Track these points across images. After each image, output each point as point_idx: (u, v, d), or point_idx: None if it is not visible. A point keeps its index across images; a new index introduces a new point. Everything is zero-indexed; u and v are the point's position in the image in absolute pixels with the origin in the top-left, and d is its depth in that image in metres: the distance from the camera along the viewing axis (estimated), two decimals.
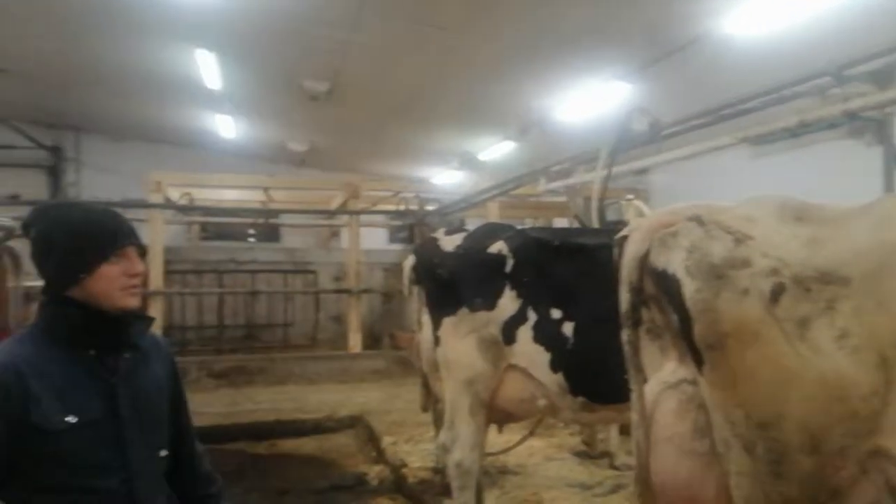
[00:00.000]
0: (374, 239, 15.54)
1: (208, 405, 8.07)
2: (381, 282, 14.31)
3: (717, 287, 1.91)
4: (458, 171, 14.11)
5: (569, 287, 3.80)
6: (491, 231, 4.23)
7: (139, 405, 1.88)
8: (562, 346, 3.75)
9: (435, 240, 4.34)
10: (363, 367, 11.17)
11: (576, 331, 3.74)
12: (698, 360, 1.99)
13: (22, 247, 2.75)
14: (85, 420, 1.75)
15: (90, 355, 1.83)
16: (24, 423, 1.68)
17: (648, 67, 7.68)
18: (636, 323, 2.33)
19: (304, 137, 13.66)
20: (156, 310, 10.71)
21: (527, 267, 3.89)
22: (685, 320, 2.01)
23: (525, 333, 3.84)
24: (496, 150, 12.29)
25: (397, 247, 16.55)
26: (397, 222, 13.69)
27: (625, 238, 2.29)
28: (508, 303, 3.88)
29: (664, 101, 6.48)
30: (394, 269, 15.78)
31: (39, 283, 2.26)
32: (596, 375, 3.69)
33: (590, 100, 8.83)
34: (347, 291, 12.03)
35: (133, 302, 1.89)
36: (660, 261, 2.14)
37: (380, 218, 13.92)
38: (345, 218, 12.67)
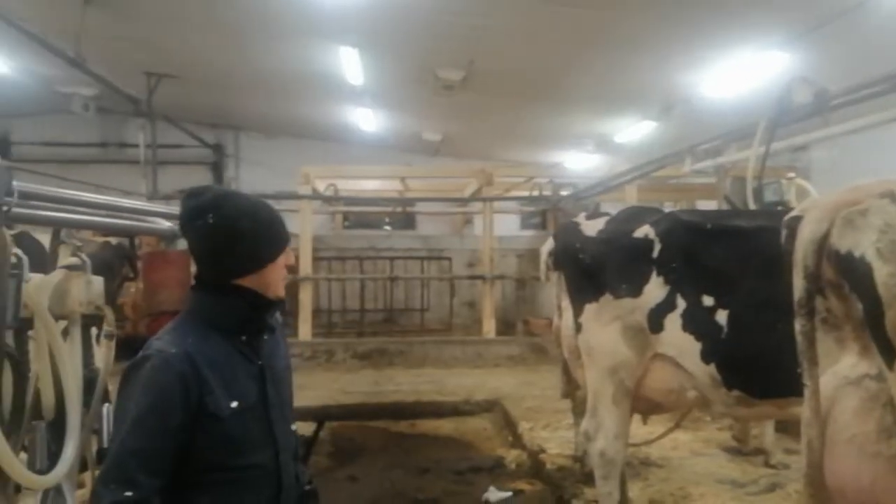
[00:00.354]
0: (507, 225, 15.57)
1: (354, 384, 8.54)
2: (515, 268, 14.34)
3: None
4: (594, 155, 13.74)
5: (723, 273, 3.59)
6: (636, 214, 4.08)
7: (277, 384, 1.98)
8: (715, 335, 3.56)
9: (576, 224, 4.26)
10: (498, 353, 11.27)
11: (730, 319, 3.53)
12: (888, 353, 1.81)
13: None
14: (245, 404, 1.86)
15: (242, 341, 1.91)
16: (200, 411, 1.78)
17: (808, 34, 7.00)
18: (811, 312, 2.14)
19: (439, 127, 13.93)
20: (305, 294, 11.47)
21: (675, 252, 3.71)
22: (874, 309, 1.83)
23: (673, 321, 3.68)
24: (634, 131, 11.81)
25: (530, 233, 16.48)
26: (531, 208, 13.61)
27: (797, 219, 2.09)
28: (655, 289, 3.73)
29: (826, 72, 5.87)
30: (527, 255, 15.76)
31: None
32: (754, 368, 3.48)
33: (741, 72, 8.22)
34: (481, 277, 12.16)
35: (283, 290, 2.01)
36: (844, 243, 1.95)
37: (513, 204, 13.92)
38: (478, 205, 12.79)
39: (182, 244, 2.94)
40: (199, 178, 15.39)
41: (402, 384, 9.21)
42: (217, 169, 16.14)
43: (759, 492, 4.84)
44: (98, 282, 2.27)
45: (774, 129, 4.84)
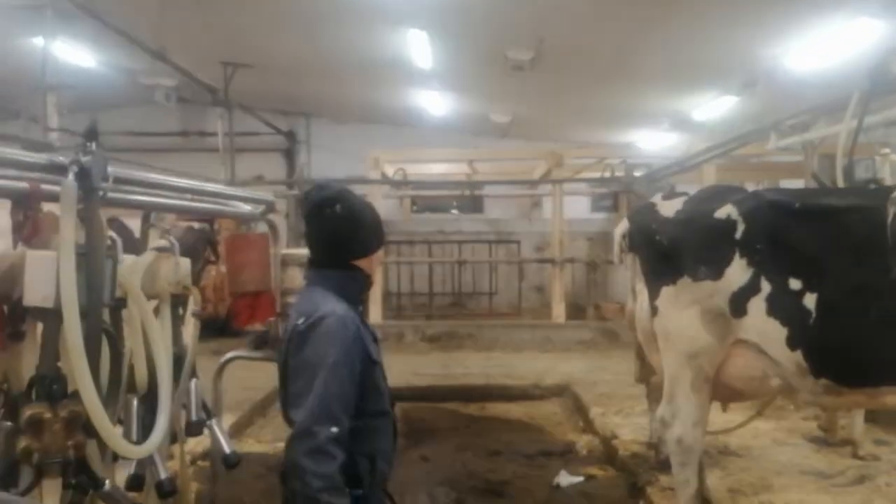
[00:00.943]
0: (577, 208, 15.30)
1: (424, 367, 8.65)
2: (585, 251, 14.09)
3: None
4: (669, 134, 13.29)
5: (812, 255, 3.44)
6: (717, 194, 3.93)
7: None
8: (802, 320, 3.42)
9: (652, 205, 4.14)
10: (568, 337, 11.15)
11: (819, 304, 3.38)
12: None
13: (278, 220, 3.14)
14: (377, 358, 2.28)
15: (359, 311, 2.30)
16: (368, 359, 2.19)
17: None
18: None
19: (507, 108, 13.79)
20: (376, 278, 11.67)
21: (761, 233, 3.56)
22: None
23: (757, 306, 3.54)
24: (713, 107, 11.32)
25: (600, 216, 16.16)
26: (602, 190, 13.31)
27: None
28: (738, 272, 3.59)
29: None
30: (597, 239, 15.46)
31: (292, 250, 2.55)
32: (843, 355, 3.34)
33: (831, 42, 7.72)
34: (551, 261, 12.03)
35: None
36: None
37: (583, 186, 13.66)
38: (548, 187, 12.62)
39: (262, 227, 3.03)
40: (274, 164, 15.86)
41: (471, 367, 9.25)
42: (290, 155, 16.57)
43: (846, 484, 4.61)
44: (185, 263, 2.37)
45: (868, 102, 4.54)
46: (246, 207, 2.66)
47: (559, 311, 11.66)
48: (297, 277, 3.06)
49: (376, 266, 2.44)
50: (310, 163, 15.87)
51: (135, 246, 2.50)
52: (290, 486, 2.08)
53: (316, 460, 1.97)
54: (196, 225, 5.90)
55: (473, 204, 16.62)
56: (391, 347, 11.03)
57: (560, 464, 5.58)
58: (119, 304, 2.05)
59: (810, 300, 3.40)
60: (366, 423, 2.18)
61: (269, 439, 6.44)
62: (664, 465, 4.93)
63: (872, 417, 5.58)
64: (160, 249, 2.22)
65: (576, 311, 12.71)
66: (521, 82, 10.84)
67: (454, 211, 16.82)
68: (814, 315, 3.37)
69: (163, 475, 2.15)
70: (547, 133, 15.40)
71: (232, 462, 2.52)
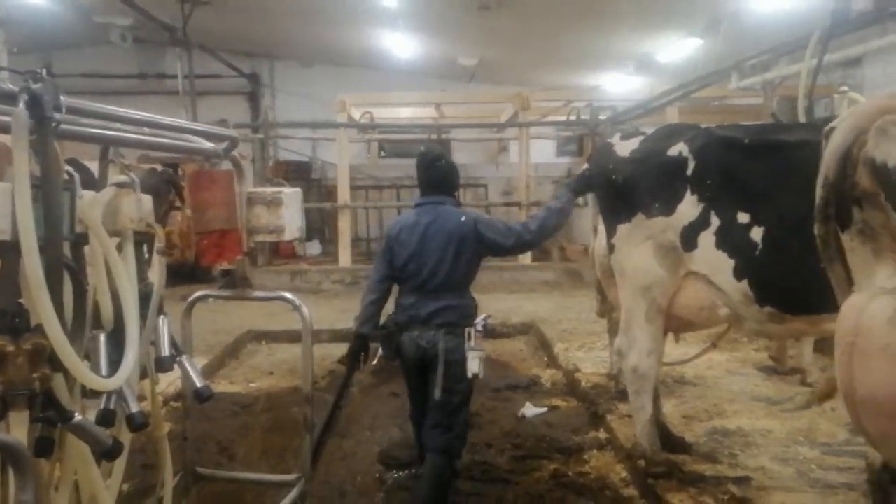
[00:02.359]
0: (543, 153, 15.34)
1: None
2: (551, 195, 14.19)
3: None
4: (634, 77, 13.28)
5: (760, 189, 3.53)
6: (671, 132, 4.01)
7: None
8: (749, 252, 3.54)
9: (610, 145, 4.22)
10: (533, 278, 11.36)
11: (766, 236, 3.50)
12: None
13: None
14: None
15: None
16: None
17: None
18: (828, 219, 2.14)
19: (474, 51, 13.58)
20: (344, 222, 11.65)
21: (711, 169, 3.66)
22: None
23: (707, 239, 3.67)
24: (678, 49, 11.33)
25: (566, 160, 16.24)
26: (567, 133, 13.35)
27: (833, 129, 2.07)
28: (689, 207, 3.71)
29: None
30: (563, 182, 15.54)
31: (258, 189, 2.55)
32: (787, 284, 3.47)
33: None
34: (517, 204, 12.12)
35: None
36: (880, 152, 1.93)
37: (550, 130, 13.66)
38: (514, 131, 12.60)
39: (226, 165, 3.02)
40: (237, 108, 15.47)
41: None
42: (254, 99, 16.18)
43: (794, 409, 4.90)
44: (147, 200, 2.36)
45: (828, 41, 4.60)
46: (208, 144, 2.65)
47: (525, 254, 11.82)
48: (263, 216, 3.08)
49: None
50: (274, 107, 15.53)
51: (94, 185, 2.48)
52: None
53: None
54: (159, 167, 5.82)
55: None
56: (361, 290, 11.09)
57: (525, 396, 5.80)
58: (80, 240, 2.05)
59: (757, 233, 3.51)
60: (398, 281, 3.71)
61: (242, 380, 6.54)
62: (623, 395, 5.18)
63: (820, 347, 5.88)
64: (120, 185, 2.21)
65: (542, 253, 12.90)
66: (488, 23, 10.68)
67: None
68: (760, 247, 3.48)
69: (133, 409, 2.18)
70: (514, 76, 15.26)
71: (204, 396, 2.57)
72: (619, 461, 4.34)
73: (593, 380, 5.76)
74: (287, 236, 3.14)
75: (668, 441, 4.18)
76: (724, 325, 4.14)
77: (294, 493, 2.98)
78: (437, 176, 3.76)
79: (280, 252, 13.60)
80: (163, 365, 2.43)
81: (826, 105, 5.33)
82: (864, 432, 1.92)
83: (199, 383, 2.57)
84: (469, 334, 3.50)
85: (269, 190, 3.19)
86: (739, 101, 11.69)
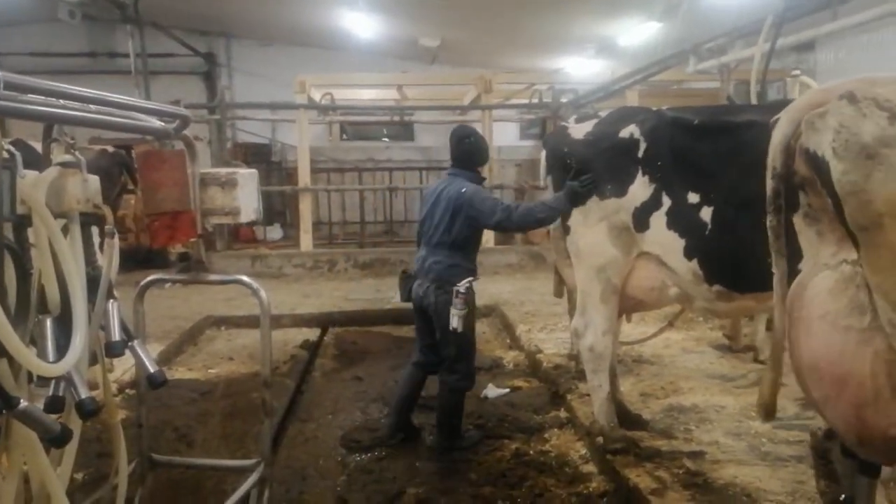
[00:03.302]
0: (506, 136, 15.38)
1: (356, 292, 8.72)
2: (513, 178, 14.27)
3: (869, 167, 1.79)
4: (595, 60, 13.37)
5: (709, 170, 3.58)
6: (623, 115, 4.06)
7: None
8: (699, 232, 3.61)
9: (564, 128, 4.27)
10: (496, 261, 11.42)
11: (715, 216, 3.57)
12: (856, 243, 1.89)
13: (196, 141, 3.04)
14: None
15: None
16: None
17: None
18: (779, 209, 2.22)
19: (436, 32, 13.47)
20: (305, 205, 11.50)
21: (661, 150, 3.71)
22: (836, 203, 1.93)
23: (658, 220, 3.74)
24: (638, 32, 11.42)
25: (528, 143, 16.31)
26: (530, 116, 13.38)
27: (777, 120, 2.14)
28: (641, 188, 3.77)
29: None
30: (526, 165, 15.64)
31: (212, 169, 2.49)
32: (735, 263, 3.54)
33: None
34: None
35: None
36: (810, 143, 2.03)
37: (512, 113, 13.68)
38: (477, 114, 12.57)
39: (178, 144, 2.93)
40: (192, 88, 15.05)
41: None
42: (210, 79, 15.76)
43: (747, 385, 5.05)
44: (94, 181, 2.28)
45: (781, 25, 4.70)
46: (158, 123, 2.56)
47: (489, 236, 11.86)
48: (217, 197, 3.01)
49: (485, 171, 4.54)
50: (232, 87, 15.17)
51: (39, 166, 2.38)
52: None
53: None
54: (111, 149, 5.61)
55: (404, 132, 16.40)
56: (324, 275, 11.04)
57: (488, 378, 5.84)
58: (22, 222, 1.97)
59: (706, 213, 3.57)
60: (474, 244, 4.37)
61: (201, 367, 6.44)
62: (583, 375, 5.26)
63: (772, 326, 6.06)
64: (65, 165, 2.13)
65: (504, 236, 12.97)
66: (449, 4, 10.59)
67: (385, 139, 16.56)
68: (709, 227, 3.55)
69: (82, 395, 2.12)
70: (476, 58, 15.20)
71: (157, 382, 2.51)
72: (579, 439, 4.42)
73: (554, 360, 5.83)
74: (243, 218, 3.07)
75: (626, 418, 4.27)
76: (673, 304, 4.22)
77: (253, 477, 2.95)
78: (462, 151, 4.40)
79: (240, 236, 13.37)
80: (113, 350, 2.36)
81: (779, 88, 5.46)
82: (810, 399, 2.00)
83: (151, 369, 2.51)
84: (455, 293, 4.05)
85: (223, 171, 3.11)
86: (698, 85, 11.88)
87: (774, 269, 2.09)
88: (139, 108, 2.43)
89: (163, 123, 2.62)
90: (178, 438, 4.66)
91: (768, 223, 2.16)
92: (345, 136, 16.61)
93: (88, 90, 2.11)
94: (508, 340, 7.21)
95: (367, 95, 14.03)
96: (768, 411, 2.30)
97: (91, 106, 2.14)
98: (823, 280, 1.98)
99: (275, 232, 14.31)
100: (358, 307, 8.49)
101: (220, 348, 7.27)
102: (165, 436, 4.62)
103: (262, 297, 3.02)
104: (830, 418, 1.93)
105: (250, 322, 8.22)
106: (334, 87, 12.78)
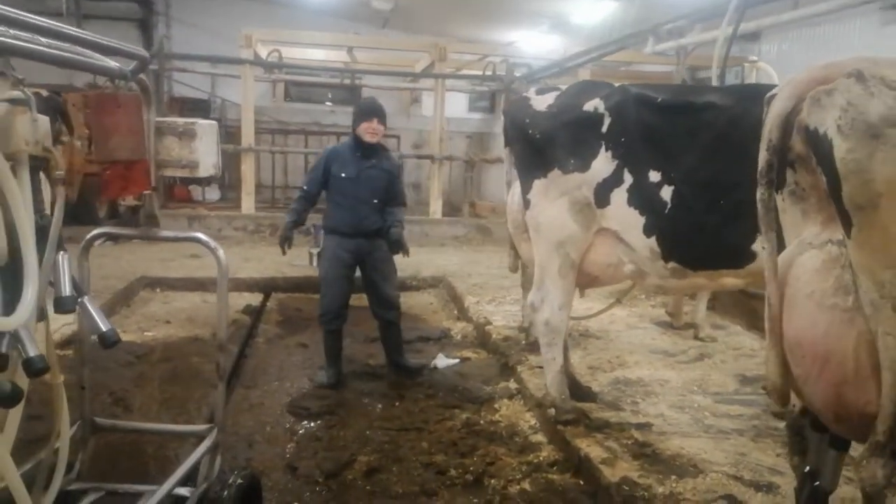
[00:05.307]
0: (455, 108, 15.23)
1: (300, 259, 8.50)
2: (461, 151, 14.20)
3: (873, 147, 1.80)
4: (549, 35, 13.36)
5: (671, 149, 3.61)
6: (587, 88, 4.01)
7: (368, 179, 4.83)
8: (658, 210, 3.64)
9: (526, 99, 4.17)
10: (444, 233, 11.40)
11: (675, 195, 3.60)
12: (846, 223, 1.92)
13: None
14: (348, 175, 4.82)
15: (358, 156, 4.85)
16: (328, 172, 4.88)
17: None
18: (770, 183, 2.23)
19: None
20: (248, 166, 11.10)
21: (625, 126, 3.70)
22: (834, 181, 1.92)
23: (619, 196, 3.74)
24: (593, 11, 11.47)
25: (477, 116, 16.25)
26: (482, 88, 13.29)
27: (774, 96, 2.14)
28: (603, 164, 3.75)
29: None
30: (475, 138, 15.59)
31: (169, 119, 2.32)
32: (693, 240, 3.61)
33: None
34: (430, 157, 12.02)
35: (370, 139, 4.82)
36: (812, 120, 2.02)
37: (463, 83, 13.54)
38: (428, 82, 12.39)
39: (134, 88, 2.72)
40: (127, 35, 14.14)
41: None
42: (146, 27, 14.87)
43: (688, 361, 5.24)
44: (44, 121, 2.08)
45: (744, 10, 4.77)
46: (113, 63, 2.36)
47: (436, 208, 11.82)
48: (173, 148, 2.82)
49: (365, 132, 4.80)
50: (171, 37, 14.35)
51: None
52: None
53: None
54: (45, 93, 5.19)
55: (350, 96, 15.99)
56: (265, 239, 10.72)
57: (436, 348, 5.84)
58: None
59: (667, 192, 3.59)
60: (333, 202, 4.94)
61: (136, 329, 6.15)
62: (533, 347, 5.32)
63: (712, 305, 6.30)
64: (13, 101, 1.92)
65: (450, 208, 12.95)
66: None
67: (329, 104, 16.12)
68: (669, 205, 3.58)
69: (31, 352, 1.96)
70: (428, 26, 14.93)
71: (110, 341, 2.35)
72: (529, 410, 4.48)
73: (504, 332, 5.87)
74: (202, 172, 2.89)
75: (576, 390, 4.35)
76: (626, 281, 4.29)
77: (206, 443, 2.82)
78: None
79: (174, 195, 12.81)
80: (63, 306, 2.19)
81: (736, 73, 5.60)
82: (791, 377, 2.03)
83: (104, 327, 2.35)
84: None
85: (181, 120, 2.92)
86: (649, 68, 12.06)
87: (764, 244, 2.10)
88: (94, 43, 2.22)
89: (118, 65, 2.42)
90: (114, 402, 4.45)
91: (759, 196, 2.16)
92: (288, 98, 16.07)
93: (39, 18, 1.90)
94: (456, 312, 7.22)
95: (315, 56, 13.58)
96: (782, 394, 2.04)
97: (41, 38, 1.94)
98: (810, 259, 2.01)
99: (213, 192, 13.79)
100: (301, 273, 8.30)
101: (155, 311, 6.97)
102: (101, 399, 4.39)
103: (221, 256, 2.86)
104: (808, 394, 1.99)
105: (187, 285, 7.92)
106: (281, 45, 12.30)
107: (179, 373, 5.07)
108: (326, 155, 5.00)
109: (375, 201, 4.85)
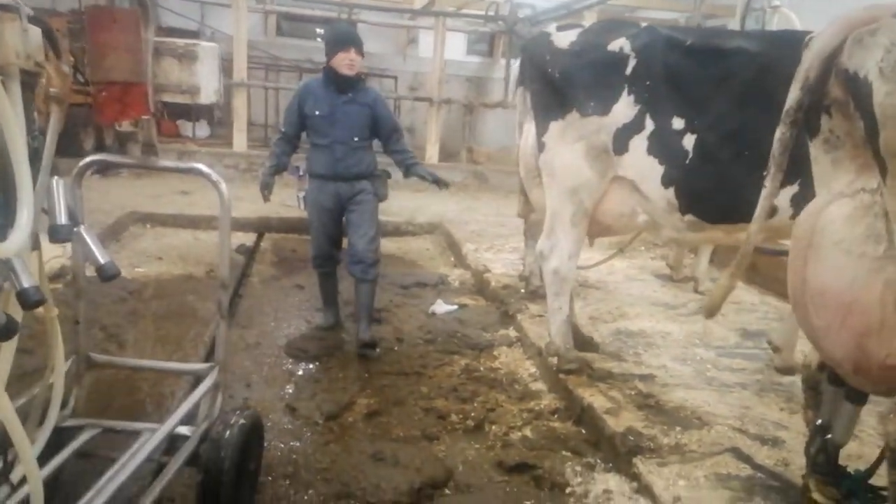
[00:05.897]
0: (453, 50, 14.77)
1: (293, 199, 8.32)
2: (459, 94, 13.85)
3: None
4: None
5: (698, 96, 3.43)
6: (612, 26, 3.78)
7: (345, 116, 4.36)
8: (679, 160, 3.50)
9: (547, 35, 3.92)
10: None
11: (698, 144, 3.46)
12: (883, 170, 1.83)
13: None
14: (322, 114, 4.35)
15: (332, 91, 4.35)
16: (302, 111, 4.41)
17: None
18: (795, 123, 2.13)
19: None
20: (240, 101, 10.75)
21: (651, 69, 3.50)
22: (872, 127, 1.83)
23: (638, 144, 3.58)
24: None
25: (475, 59, 15.80)
26: (484, 29, 12.87)
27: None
28: (625, 109, 3.58)
29: None
30: (474, 82, 15.20)
31: (167, 38, 2.14)
32: (713, 194, 3.49)
33: None
34: (428, 100, 11.71)
35: (348, 71, 4.29)
36: (852, 62, 1.92)
37: (461, 23, 13.09)
38: (428, 20, 11.97)
39: (126, 1, 2.51)
40: None
41: None
42: None
43: (688, 314, 5.20)
44: (36, 32, 1.90)
45: None
46: None
47: (433, 152, 11.59)
48: (173, 71, 2.64)
49: (341, 64, 4.27)
50: None
51: None
52: None
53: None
54: (29, 11, 4.89)
55: None
56: (257, 178, 10.44)
57: (434, 294, 5.77)
58: None
59: (689, 141, 3.45)
60: (311, 143, 4.48)
61: (127, 265, 6.01)
62: (533, 296, 5.26)
63: (712, 259, 6.25)
64: (2, 7, 1.74)
65: (447, 155, 12.71)
66: None
67: (319, 39, 15.57)
68: (690, 155, 3.45)
69: (26, 283, 1.83)
70: None
71: (109, 273, 2.21)
72: (529, 358, 4.44)
73: (503, 280, 5.80)
74: (203, 98, 2.72)
75: (579, 340, 4.30)
76: (639, 231, 4.18)
77: (208, 381, 2.74)
78: None
79: (162, 130, 12.46)
80: (59, 234, 2.04)
81: (757, 18, 5.38)
82: (810, 329, 1.98)
83: (102, 259, 2.21)
84: None
85: (181, 41, 2.72)
86: (655, 15, 11.70)
87: (766, 183, 2.02)
88: None
89: None
90: (107, 338, 4.37)
91: (778, 134, 2.07)
92: (280, 33, 15.51)
93: None
94: (453, 259, 7.13)
95: None
96: (712, 311, 2.68)
97: None
98: (840, 207, 1.94)
99: (202, 129, 13.43)
100: (296, 214, 8.14)
101: (146, 247, 6.83)
102: (93, 334, 4.28)
103: (223, 189, 2.72)
104: (829, 345, 1.93)
105: (179, 221, 7.75)
106: None
107: (173, 310, 4.98)
108: (299, 93, 4.46)
109: (356, 139, 4.35)
